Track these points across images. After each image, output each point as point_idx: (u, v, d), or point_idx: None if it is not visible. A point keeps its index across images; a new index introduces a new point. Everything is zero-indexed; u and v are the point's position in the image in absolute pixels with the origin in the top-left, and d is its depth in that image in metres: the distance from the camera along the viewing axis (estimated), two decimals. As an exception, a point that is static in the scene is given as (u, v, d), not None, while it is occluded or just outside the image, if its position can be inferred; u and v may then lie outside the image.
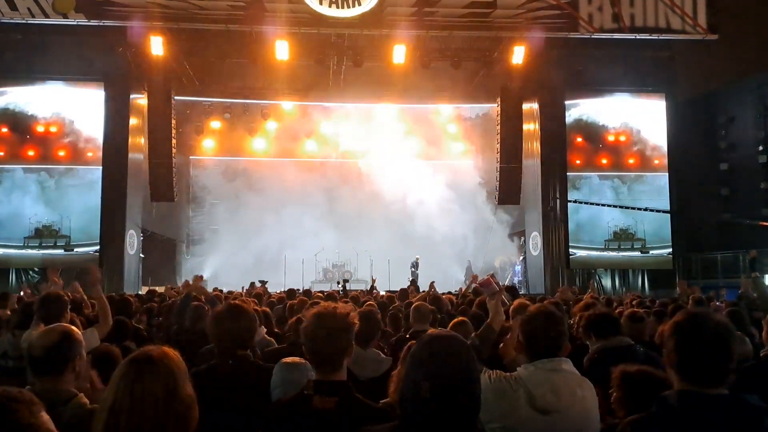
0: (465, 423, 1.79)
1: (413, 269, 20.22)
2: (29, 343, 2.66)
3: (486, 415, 2.41)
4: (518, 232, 21.06)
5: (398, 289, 10.68)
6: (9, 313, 6.41)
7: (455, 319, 4.37)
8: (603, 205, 17.22)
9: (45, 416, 1.21)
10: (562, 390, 2.47)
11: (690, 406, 1.88)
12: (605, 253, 17.66)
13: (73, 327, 2.76)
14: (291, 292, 9.05)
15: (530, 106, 18.73)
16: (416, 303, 5.04)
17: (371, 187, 21.54)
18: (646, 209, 16.74)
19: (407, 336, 4.54)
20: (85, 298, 5.97)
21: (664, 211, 16.64)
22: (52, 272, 5.17)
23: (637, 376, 2.70)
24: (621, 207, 17.09)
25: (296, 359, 2.92)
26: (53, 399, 2.23)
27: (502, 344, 3.10)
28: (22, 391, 1.22)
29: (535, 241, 18.52)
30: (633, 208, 17.07)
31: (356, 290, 11.99)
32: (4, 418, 1.13)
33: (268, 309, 5.99)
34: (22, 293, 9.31)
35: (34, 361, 2.53)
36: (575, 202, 16.37)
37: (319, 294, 9.24)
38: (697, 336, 1.95)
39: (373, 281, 11.14)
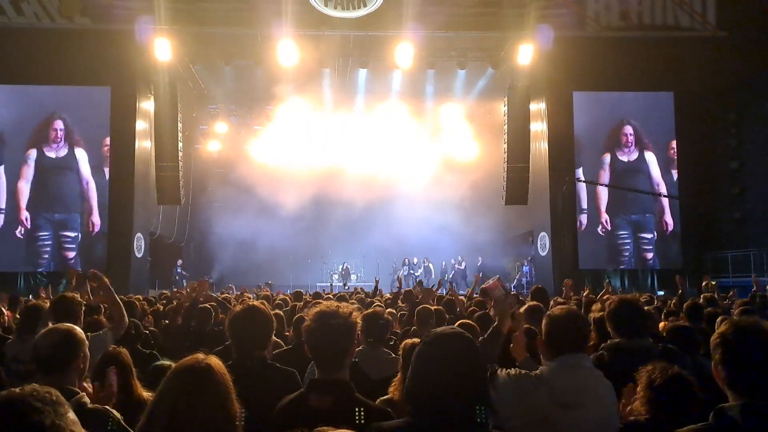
0: (472, 415, 1.80)
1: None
2: (35, 343, 2.71)
3: (506, 412, 2.39)
4: (527, 233, 20.95)
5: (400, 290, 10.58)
6: (18, 317, 6.39)
7: (460, 321, 4.38)
8: (612, 186, 17.10)
9: (71, 417, 1.19)
10: (585, 386, 2.48)
11: (753, 422, 1.74)
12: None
13: (76, 327, 2.81)
14: (298, 294, 8.99)
15: (537, 106, 18.62)
16: (419, 308, 5.03)
17: (377, 188, 21.51)
18: (656, 194, 16.66)
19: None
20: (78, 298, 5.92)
21: (672, 197, 16.56)
22: (72, 274, 5.15)
23: (666, 378, 2.64)
24: (629, 190, 16.98)
25: None
26: None
27: (512, 344, 3.09)
28: (50, 390, 1.20)
29: (543, 242, 18.38)
30: (641, 192, 16.96)
31: (360, 292, 11.91)
32: (27, 419, 1.13)
33: (279, 311, 5.96)
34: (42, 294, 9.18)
35: (40, 360, 2.60)
36: (586, 182, 16.24)
37: (329, 296, 9.18)
38: (745, 348, 1.81)
39: (376, 282, 11.07)
